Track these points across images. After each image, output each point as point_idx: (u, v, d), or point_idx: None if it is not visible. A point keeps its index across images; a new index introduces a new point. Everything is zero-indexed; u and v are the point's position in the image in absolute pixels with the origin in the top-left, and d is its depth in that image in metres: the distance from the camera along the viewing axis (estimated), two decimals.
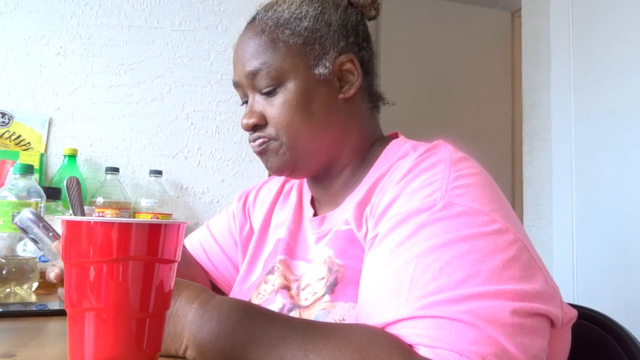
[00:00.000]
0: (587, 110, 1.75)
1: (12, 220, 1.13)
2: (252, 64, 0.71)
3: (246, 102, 0.75)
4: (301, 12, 0.72)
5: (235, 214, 0.92)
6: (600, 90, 1.70)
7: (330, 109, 0.72)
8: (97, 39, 1.59)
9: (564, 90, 1.84)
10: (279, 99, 0.70)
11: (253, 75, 0.71)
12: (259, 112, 0.72)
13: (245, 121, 0.72)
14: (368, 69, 0.76)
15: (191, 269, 0.92)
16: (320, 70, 0.71)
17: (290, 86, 0.70)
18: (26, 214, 0.68)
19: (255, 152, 0.74)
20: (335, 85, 0.72)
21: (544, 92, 1.94)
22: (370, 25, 0.80)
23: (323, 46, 0.71)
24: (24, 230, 0.69)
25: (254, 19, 0.75)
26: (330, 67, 0.71)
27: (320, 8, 0.73)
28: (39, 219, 0.66)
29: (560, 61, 1.86)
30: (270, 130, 0.71)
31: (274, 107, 0.70)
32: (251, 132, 0.73)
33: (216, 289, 0.93)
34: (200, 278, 0.91)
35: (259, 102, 0.72)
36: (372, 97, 0.78)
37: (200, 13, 1.69)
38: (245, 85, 0.73)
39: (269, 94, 0.71)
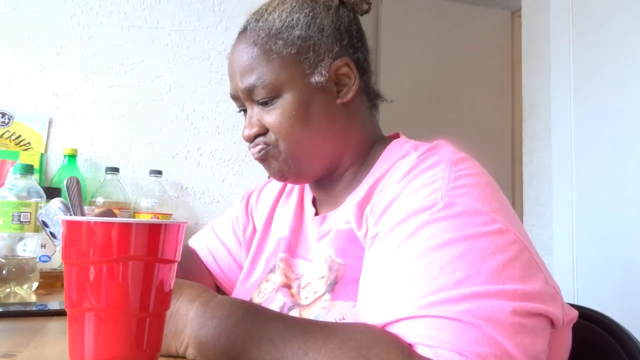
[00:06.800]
0: (587, 110, 1.75)
1: (13, 219, 1.13)
2: (248, 79, 0.70)
3: (243, 110, 0.75)
4: (292, 19, 0.70)
5: (238, 215, 0.92)
6: (600, 90, 1.70)
7: (329, 116, 0.71)
8: (97, 39, 1.59)
9: (564, 90, 1.84)
10: (278, 109, 0.70)
11: (249, 90, 0.70)
12: (258, 122, 0.71)
13: (247, 132, 0.72)
14: (364, 69, 0.76)
15: (194, 266, 0.91)
16: (317, 78, 0.70)
17: (288, 97, 0.69)
18: (56, 203, 0.68)
19: (256, 158, 0.73)
20: (332, 90, 0.72)
21: (544, 92, 1.94)
22: (370, 25, 0.80)
23: (317, 53, 0.70)
24: (45, 224, 0.69)
25: (245, 29, 0.73)
26: (327, 74, 0.70)
27: (311, 14, 0.71)
28: (68, 208, 0.66)
29: (560, 61, 1.86)
30: (270, 137, 0.71)
31: (273, 117, 0.70)
32: (251, 142, 0.73)
33: (220, 291, 0.93)
34: (206, 280, 0.91)
35: (257, 112, 0.72)
36: (370, 97, 0.78)
37: (200, 13, 1.69)
38: (243, 98, 0.72)
39: (267, 104, 0.70)
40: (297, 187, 0.86)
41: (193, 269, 0.90)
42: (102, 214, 0.71)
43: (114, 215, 0.74)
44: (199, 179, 1.64)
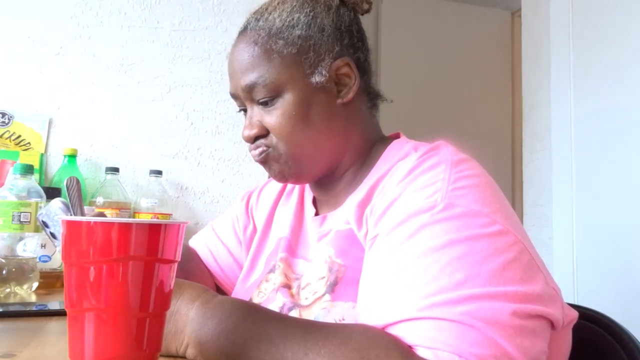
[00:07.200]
0: (587, 111, 1.75)
1: (13, 219, 1.13)
2: (248, 78, 0.70)
3: (243, 109, 0.75)
4: (293, 19, 0.70)
5: (239, 215, 0.92)
6: (600, 90, 1.70)
7: (329, 116, 0.71)
8: (97, 39, 1.59)
9: (564, 90, 1.84)
10: (278, 109, 0.69)
11: (250, 89, 0.70)
12: (258, 122, 0.71)
13: (246, 132, 0.72)
14: (365, 69, 0.75)
15: (194, 267, 0.91)
16: (317, 78, 0.70)
17: (288, 97, 0.69)
18: (57, 203, 0.68)
19: (257, 160, 0.73)
20: (332, 90, 0.72)
21: (544, 92, 1.94)
22: (370, 25, 0.80)
23: (318, 53, 0.70)
24: (45, 224, 0.69)
25: (245, 28, 0.73)
26: (327, 74, 0.70)
27: (312, 13, 0.71)
28: (69, 208, 0.66)
29: (560, 61, 1.86)
30: (271, 139, 0.71)
31: (273, 118, 0.70)
32: (251, 142, 0.73)
33: (220, 291, 0.93)
34: (206, 280, 0.91)
35: (257, 112, 0.71)
36: (371, 96, 0.78)
37: (200, 13, 1.69)
38: (243, 97, 0.72)
39: (267, 104, 0.70)
40: (297, 187, 0.86)
41: (193, 269, 0.90)
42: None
43: None
44: (199, 179, 1.64)
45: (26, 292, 0.93)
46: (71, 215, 0.62)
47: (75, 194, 0.60)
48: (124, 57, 1.61)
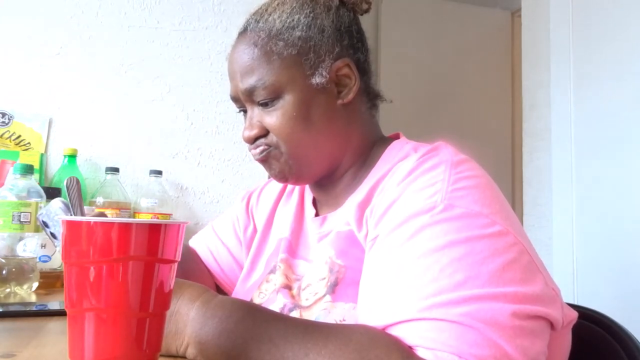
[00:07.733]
0: (587, 111, 1.75)
1: (13, 219, 1.13)
2: (248, 81, 0.70)
3: (243, 110, 0.75)
4: (293, 20, 0.70)
5: (239, 215, 0.92)
6: (600, 90, 1.70)
7: (330, 116, 0.71)
8: (97, 39, 1.59)
9: (564, 90, 1.84)
10: (278, 110, 0.69)
11: (250, 91, 0.70)
12: (259, 123, 0.71)
13: (247, 133, 0.72)
14: (364, 70, 0.75)
15: (194, 267, 0.91)
16: (317, 79, 0.70)
17: (288, 98, 0.69)
18: (57, 203, 0.69)
19: (257, 159, 0.73)
20: (333, 91, 0.71)
21: (544, 92, 1.94)
22: (370, 25, 0.80)
23: (318, 54, 0.70)
24: (45, 224, 0.69)
25: (245, 29, 0.73)
26: (327, 75, 0.70)
27: (312, 14, 0.71)
28: (69, 208, 0.67)
29: (560, 61, 1.86)
30: (272, 138, 0.71)
31: (273, 119, 0.70)
32: (251, 143, 0.73)
33: (220, 291, 0.93)
34: (206, 280, 0.91)
35: (257, 113, 0.71)
36: (370, 97, 0.78)
37: (200, 13, 1.69)
38: (243, 99, 0.72)
39: (267, 105, 0.70)
40: (297, 187, 0.86)
41: (193, 269, 0.90)
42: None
43: None
44: (199, 179, 1.64)
45: (26, 292, 0.93)
46: (71, 215, 0.62)
47: (75, 194, 0.60)
48: (124, 57, 1.61)
